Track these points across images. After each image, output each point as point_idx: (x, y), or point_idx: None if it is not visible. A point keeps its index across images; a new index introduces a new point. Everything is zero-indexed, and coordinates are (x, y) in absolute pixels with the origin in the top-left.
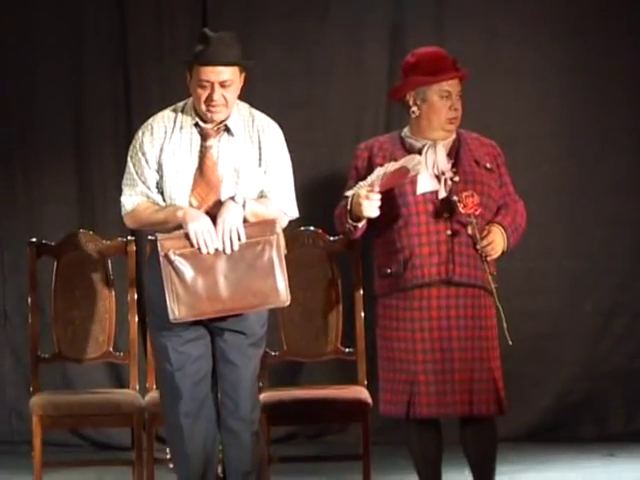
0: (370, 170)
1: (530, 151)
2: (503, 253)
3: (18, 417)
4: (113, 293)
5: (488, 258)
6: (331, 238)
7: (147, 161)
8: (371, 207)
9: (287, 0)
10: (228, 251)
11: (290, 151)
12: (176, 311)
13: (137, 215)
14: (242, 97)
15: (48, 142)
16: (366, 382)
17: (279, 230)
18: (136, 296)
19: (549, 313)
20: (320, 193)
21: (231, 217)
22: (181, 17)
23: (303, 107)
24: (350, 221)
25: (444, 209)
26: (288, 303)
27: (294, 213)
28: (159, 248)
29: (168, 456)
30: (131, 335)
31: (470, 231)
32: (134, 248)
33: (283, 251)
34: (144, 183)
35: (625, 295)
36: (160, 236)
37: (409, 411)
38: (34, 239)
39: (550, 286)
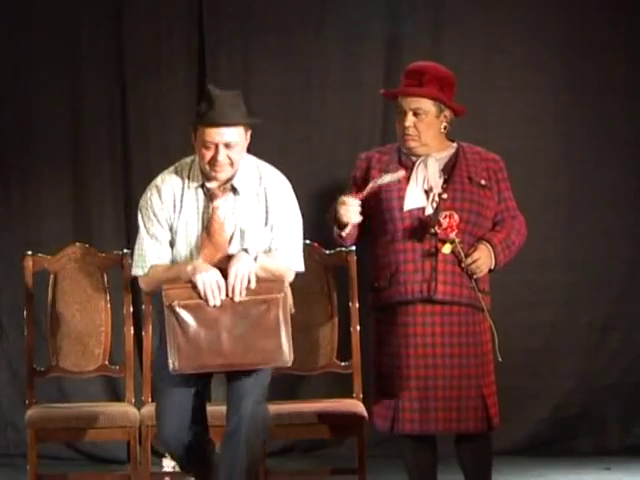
0: (366, 181)
1: (526, 165)
2: (492, 270)
3: (14, 430)
4: (109, 306)
5: (474, 276)
6: (327, 251)
7: (159, 221)
8: (347, 212)
9: (284, 14)
10: (237, 298)
11: (287, 165)
12: (176, 362)
13: (151, 277)
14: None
15: (45, 155)
16: (362, 395)
17: (287, 289)
18: (132, 309)
19: (545, 326)
20: (316, 206)
21: (243, 265)
22: (178, 33)
23: (300, 121)
24: (336, 228)
25: (430, 226)
26: (290, 364)
27: (300, 268)
28: (163, 298)
29: (164, 469)
30: (127, 348)
31: (446, 250)
32: (130, 261)
33: (290, 310)
34: (158, 242)
35: (621, 308)
36: (165, 286)
37: (393, 426)
38: (30, 251)
39: (546, 299)
